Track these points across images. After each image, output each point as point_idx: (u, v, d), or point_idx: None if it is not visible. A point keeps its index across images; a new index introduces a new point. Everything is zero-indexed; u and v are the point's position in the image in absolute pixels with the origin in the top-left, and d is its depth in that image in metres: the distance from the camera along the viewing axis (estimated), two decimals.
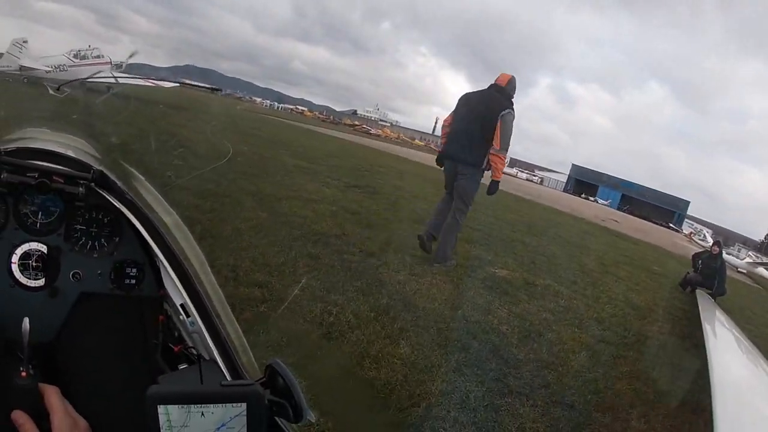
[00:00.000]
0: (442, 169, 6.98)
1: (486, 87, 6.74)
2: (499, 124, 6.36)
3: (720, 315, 7.97)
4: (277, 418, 1.32)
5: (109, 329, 1.87)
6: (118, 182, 1.85)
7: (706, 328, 6.20)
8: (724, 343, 5.94)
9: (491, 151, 6.48)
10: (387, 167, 21.13)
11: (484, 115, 6.44)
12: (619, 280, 9.80)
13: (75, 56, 25.21)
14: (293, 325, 4.16)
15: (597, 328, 6.14)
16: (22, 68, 20.62)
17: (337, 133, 46.95)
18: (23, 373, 1.29)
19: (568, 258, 10.37)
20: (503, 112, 6.39)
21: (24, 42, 21.78)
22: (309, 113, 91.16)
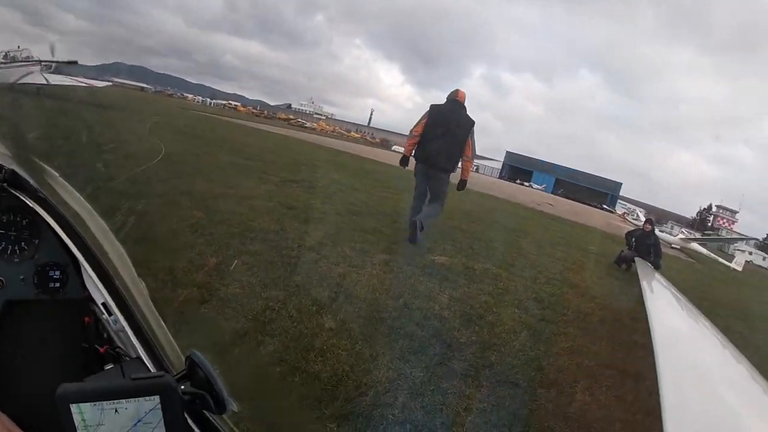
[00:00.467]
0: (414, 169, 8.12)
1: (445, 101, 7.84)
2: (469, 139, 7.72)
3: (659, 278, 8.47)
4: (205, 412, 1.30)
5: (38, 335, 1.80)
6: (31, 181, 1.79)
7: (645, 289, 6.52)
8: (664, 304, 6.20)
9: (465, 159, 7.87)
10: (324, 161, 21.00)
11: (458, 132, 7.66)
12: (555, 260, 10.08)
13: (4, 58, 24.12)
14: (235, 324, 4.08)
15: (536, 307, 6.28)
16: None
17: (272, 128, 46.30)
18: None
19: (505, 242, 10.58)
20: (473, 129, 7.75)
21: None
22: (242, 108, 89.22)
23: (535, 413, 3.70)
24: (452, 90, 7.84)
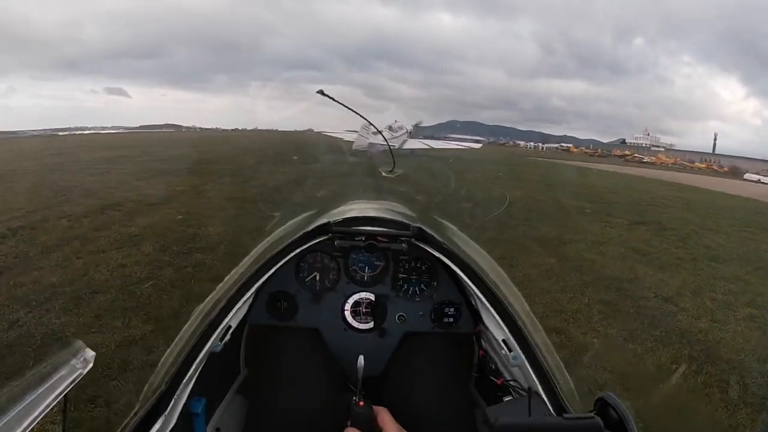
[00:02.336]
0: None
1: None
2: None
3: None
4: None
5: (430, 363, 2.10)
6: (435, 235, 2.19)
7: None
8: None
9: None
10: (670, 198, 19.62)
11: None
12: None
13: (390, 129, 31.25)
14: (593, 372, 4.23)
15: None
16: (369, 145, 24.46)
17: (609, 166, 45.03)
18: (361, 403, 1.35)
19: None
20: None
21: (368, 126, 26.32)
22: (575, 149, 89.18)
23: None
24: None
